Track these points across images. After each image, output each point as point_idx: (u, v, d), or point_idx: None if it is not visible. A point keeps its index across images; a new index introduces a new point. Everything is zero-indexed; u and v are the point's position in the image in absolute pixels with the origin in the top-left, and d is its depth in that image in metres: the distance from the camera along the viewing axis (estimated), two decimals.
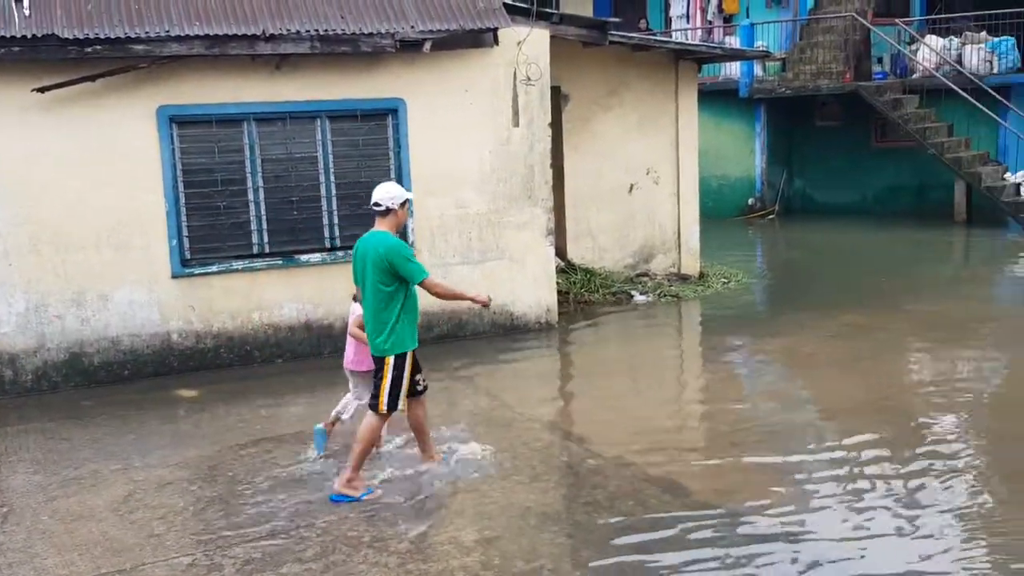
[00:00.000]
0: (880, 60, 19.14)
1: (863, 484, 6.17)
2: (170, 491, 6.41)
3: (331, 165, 9.75)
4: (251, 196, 9.52)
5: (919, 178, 18.39)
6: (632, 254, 12.88)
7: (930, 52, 17.82)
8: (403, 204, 6.12)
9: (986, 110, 16.44)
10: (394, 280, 5.97)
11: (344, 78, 9.67)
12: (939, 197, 17.75)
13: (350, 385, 6.95)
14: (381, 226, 6.10)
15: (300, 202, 9.69)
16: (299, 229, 9.71)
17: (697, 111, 13.11)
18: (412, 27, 9.59)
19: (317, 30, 9.29)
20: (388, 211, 6.08)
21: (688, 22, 20.67)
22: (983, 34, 18.01)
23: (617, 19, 12.79)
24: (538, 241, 10.58)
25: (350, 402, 6.88)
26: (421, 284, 6.02)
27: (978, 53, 17.69)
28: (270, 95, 9.45)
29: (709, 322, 11.33)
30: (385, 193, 6.10)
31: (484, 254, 10.36)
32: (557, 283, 11.12)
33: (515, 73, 10.22)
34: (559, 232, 11.88)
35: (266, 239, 9.62)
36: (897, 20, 18.83)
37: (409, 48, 9.61)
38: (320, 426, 6.90)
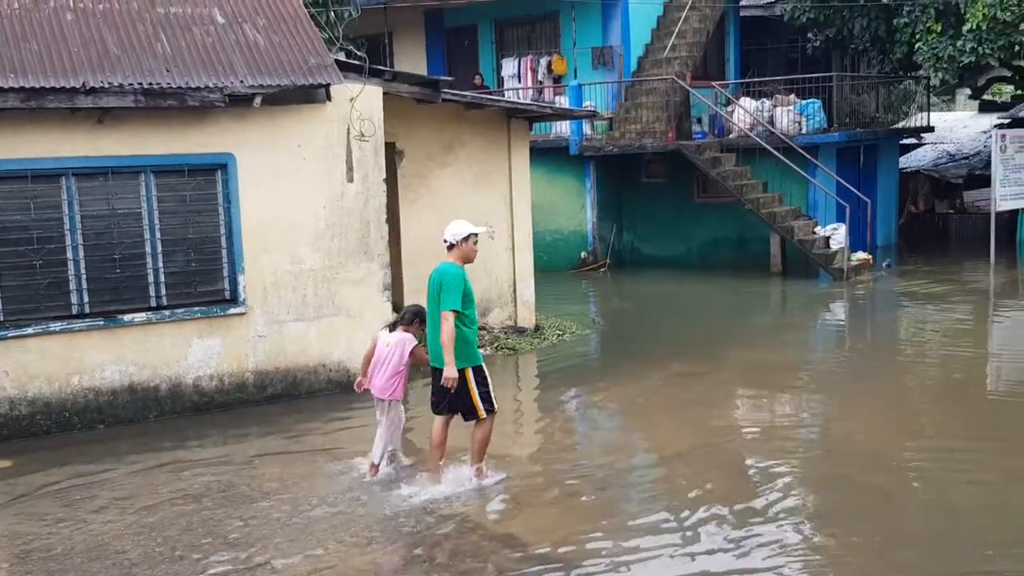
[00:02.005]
0: (699, 120, 20.16)
1: (697, 528, 6.37)
2: None
3: (156, 221, 9.43)
4: (70, 254, 9.09)
5: (738, 231, 19.38)
6: None
7: (744, 113, 18.93)
8: (466, 238, 6.94)
9: (796, 168, 17.54)
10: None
11: (171, 132, 9.42)
12: (757, 249, 18.74)
13: (377, 414, 7.42)
14: (449, 258, 7.01)
15: (123, 260, 9.31)
16: (122, 288, 9.32)
17: (530, 167, 13.42)
18: (242, 82, 9.46)
19: (141, 83, 9.04)
20: (452, 246, 6.99)
21: (520, 82, 21.22)
22: (792, 96, 19.29)
23: (450, 77, 12.99)
24: (375, 296, 10.52)
25: (377, 444, 7.38)
26: (443, 310, 6.76)
27: (788, 114, 18.91)
28: (91, 149, 9.09)
29: (545, 374, 11.51)
30: (450, 230, 7.00)
31: (320, 310, 10.22)
32: None
33: (349, 129, 10.21)
34: (396, 287, 11.85)
35: (86, 299, 9.19)
36: (714, 83, 19.95)
37: (239, 103, 9.46)
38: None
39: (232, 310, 9.78)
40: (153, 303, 9.47)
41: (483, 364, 7.08)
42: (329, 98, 9.97)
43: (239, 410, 9.68)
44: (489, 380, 7.08)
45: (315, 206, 10.13)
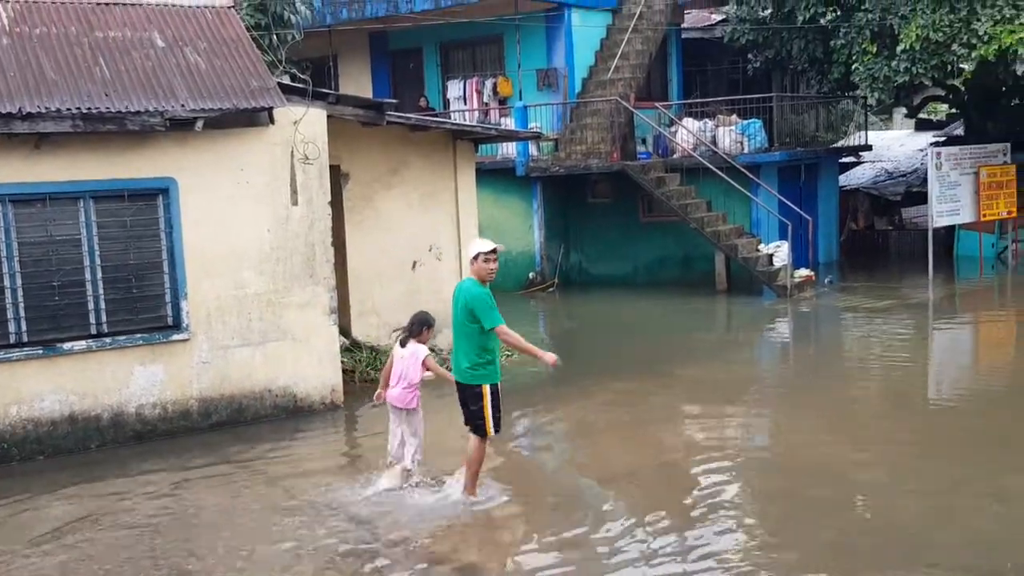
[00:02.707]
0: (644, 141, 20.40)
1: (645, 544, 6.39)
2: None
3: (96, 247, 9.28)
4: (7, 282, 8.90)
5: (683, 250, 19.59)
6: None
7: (688, 134, 19.18)
8: (475, 257, 7.07)
9: (739, 187, 17.80)
10: (477, 321, 6.93)
11: (110, 157, 9.29)
12: (702, 267, 18.94)
13: (392, 423, 7.62)
14: (471, 275, 7.17)
15: (62, 287, 9.14)
16: (61, 315, 9.14)
17: (476, 189, 13.45)
18: (183, 106, 9.37)
19: (79, 108, 8.91)
20: (471, 264, 7.14)
21: (466, 103, 21.30)
22: (734, 117, 19.60)
23: (395, 100, 13.01)
24: (321, 320, 10.44)
25: (407, 451, 7.60)
26: (492, 331, 6.92)
27: (730, 135, 19.21)
28: (28, 175, 8.94)
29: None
30: (468, 249, 7.29)
31: (265, 335, 10.11)
32: (342, 362, 10.97)
33: (293, 152, 10.15)
34: (343, 310, 11.78)
35: (24, 327, 8.99)
36: (657, 104, 20.20)
37: (180, 127, 9.37)
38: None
39: (175, 336, 9.64)
40: (93, 330, 9.30)
41: (499, 384, 7.22)
42: (272, 121, 9.91)
43: (183, 438, 9.52)
44: (501, 403, 7.21)
45: (259, 230, 10.04)
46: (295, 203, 10.22)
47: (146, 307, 9.55)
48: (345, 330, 12.14)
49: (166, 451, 9.21)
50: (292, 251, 10.23)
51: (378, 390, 7.84)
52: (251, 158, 9.96)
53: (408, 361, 7.57)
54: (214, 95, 9.64)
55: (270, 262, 10.11)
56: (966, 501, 7.11)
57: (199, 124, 9.41)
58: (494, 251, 7.09)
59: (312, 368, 10.40)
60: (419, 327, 7.67)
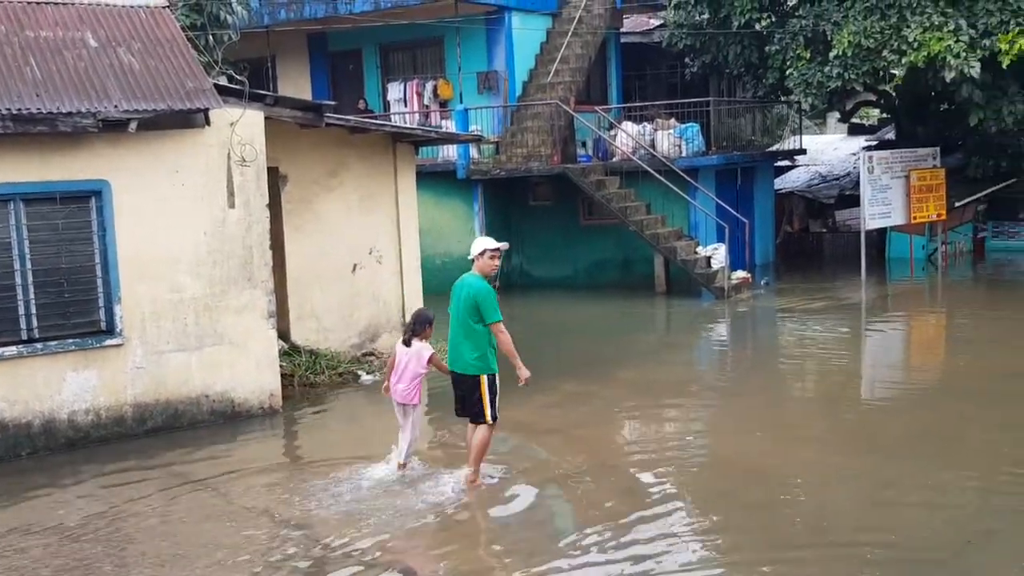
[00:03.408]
0: (584, 144, 20.52)
1: (585, 546, 6.44)
2: None
3: (27, 251, 9.08)
4: None
5: (623, 253, 19.75)
6: (358, 334, 12.84)
7: (627, 137, 19.35)
8: (481, 254, 7.57)
9: (677, 190, 18.00)
10: (479, 315, 7.39)
11: (42, 159, 9.09)
12: (642, 270, 19.12)
13: (399, 418, 8.02)
14: (474, 271, 7.62)
15: None
16: None
17: (417, 191, 13.41)
18: (116, 106, 9.21)
19: (9, 109, 8.71)
20: (473, 261, 7.64)
21: (406, 106, 21.22)
22: (672, 121, 19.81)
23: (334, 102, 12.90)
24: (259, 324, 10.33)
25: (402, 445, 8.00)
26: (491, 325, 7.38)
27: (668, 138, 19.41)
28: None
29: (434, 396, 11.45)
30: (471, 246, 7.70)
31: (202, 340, 9.96)
32: (281, 366, 10.87)
33: (229, 154, 10.03)
34: (282, 314, 11.66)
35: None
36: (597, 107, 20.35)
37: (114, 128, 9.21)
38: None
39: (108, 341, 9.46)
40: (24, 336, 9.10)
41: (497, 374, 7.60)
42: (208, 123, 9.78)
43: (118, 445, 9.35)
44: (498, 391, 7.57)
45: (195, 233, 9.90)
46: (232, 205, 10.10)
47: (79, 312, 9.36)
48: (284, 334, 12.02)
49: (100, 458, 9.03)
50: (229, 254, 10.10)
51: (384, 383, 8.22)
52: (187, 160, 9.82)
53: (412, 357, 7.95)
54: (148, 96, 9.49)
55: (207, 265, 9.97)
56: (897, 497, 7.28)
57: (133, 125, 9.25)
58: (498, 249, 7.64)
59: (250, 373, 10.28)
60: (422, 325, 8.07)
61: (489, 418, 7.54)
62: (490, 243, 7.70)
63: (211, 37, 14.57)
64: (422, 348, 7.97)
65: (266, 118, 10.37)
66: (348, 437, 9.95)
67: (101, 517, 7.45)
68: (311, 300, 12.46)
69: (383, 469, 8.08)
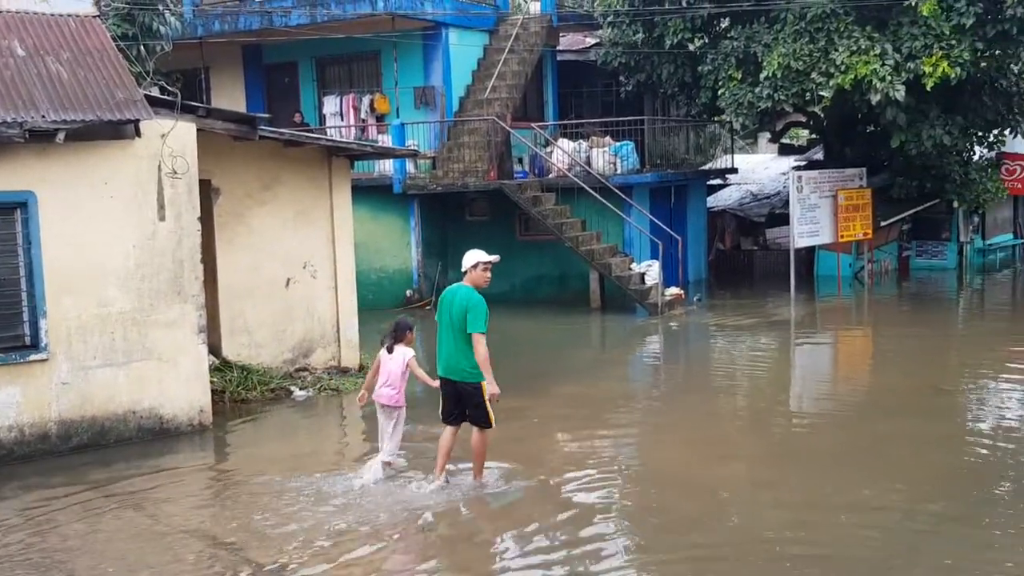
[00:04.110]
0: (520, 160, 20.63)
1: (518, 559, 6.45)
2: None
3: None
4: None
5: (559, 268, 19.87)
6: (291, 349, 12.71)
7: (563, 154, 19.51)
8: (474, 266, 7.80)
9: (612, 207, 18.19)
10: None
11: None
12: (577, 286, 19.26)
13: (382, 421, 8.30)
14: (465, 282, 7.83)
15: None
16: None
17: (352, 206, 13.33)
18: (43, 116, 9.03)
19: None
20: (465, 273, 7.84)
21: (342, 120, 21.12)
22: (607, 139, 20.04)
23: (268, 115, 12.81)
24: (189, 339, 10.17)
25: (388, 445, 8.34)
26: (473, 334, 7.55)
27: (603, 156, 19.62)
28: None
29: (370, 415, 11.37)
30: (464, 259, 7.90)
31: (130, 355, 9.78)
32: (212, 382, 10.71)
33: (160, 166, 9.89)
34: (213, 329, 11.49)
35: None
36: (533, 124, 20.47)
37: (40, 138, 9.02)
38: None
39: (33, 356, 9.24)
40: None
41: None
42: (139, 134, 9.64)
43: (42, 462, 9.12)
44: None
45: (124, 246, 9.73)
46: (162, 218, 9.95)
47: (2, 326, 9.13)
48: (215, 349, 11.85)
49: (23, 476, 8.80)
50: (159, 268, 9.94)
51: (361, 391, 8.53)
52: (116, 172, 9.65)
53: (396, 363, 8.27)
54: (77, 106, 9.32)
55: (135, 279, 9.80)
56: (821, 513, 7.41)
57: (60, 136, 9.08)
58: (490, 262, 7.86)
59: (179, 388, 10.11)
60: (403, 331, 8.42)
61: (492, 422, 7.87)
62: (483, 256, 7.89)
63: (143, 47, 14.37)
64: (406, 353, 8.34)
65: (198, 130, 10.25)
66: (279, 453, 9.82)
67: (24, 536, 7.25)
68: (243, 315, 12.30)
69: (368, 472, 8.25)
